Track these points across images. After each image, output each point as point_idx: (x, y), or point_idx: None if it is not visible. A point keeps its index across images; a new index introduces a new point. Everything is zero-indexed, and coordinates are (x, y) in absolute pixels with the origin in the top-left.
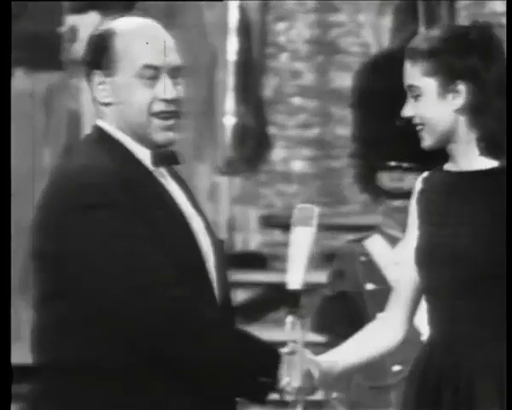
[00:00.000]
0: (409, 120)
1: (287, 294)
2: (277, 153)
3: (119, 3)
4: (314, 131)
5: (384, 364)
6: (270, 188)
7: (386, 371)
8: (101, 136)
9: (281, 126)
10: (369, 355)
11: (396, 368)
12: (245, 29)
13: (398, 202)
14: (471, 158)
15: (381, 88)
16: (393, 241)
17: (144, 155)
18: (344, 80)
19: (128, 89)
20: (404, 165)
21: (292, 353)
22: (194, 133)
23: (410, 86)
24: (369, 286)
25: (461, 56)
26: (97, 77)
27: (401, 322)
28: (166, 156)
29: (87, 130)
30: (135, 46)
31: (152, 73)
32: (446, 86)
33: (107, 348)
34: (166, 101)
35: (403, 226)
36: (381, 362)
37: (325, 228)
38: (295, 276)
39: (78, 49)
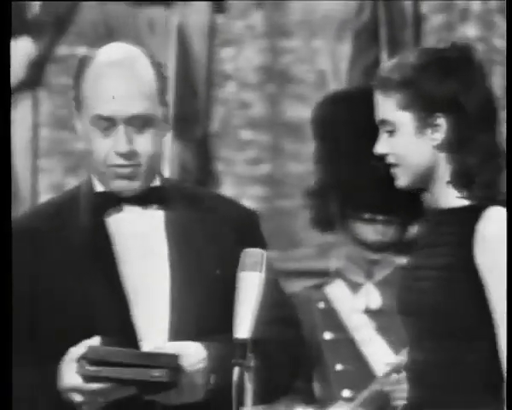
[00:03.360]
0: (382, 158)
1: (234, 344)
2: (225, 191)
3: (53, 26)
4: (265, 168)
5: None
6: None
7: (334, 396)
8: (87, 177)
9: (228, 162)
10: None
11: (346, 394)
12: (185, 55)
13: (377, 256)
14: (451, 197)
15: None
16: (355, 287)
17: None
18: (297, 111)
19: (88, 136)
20: (379, 217)
21: None
22: None
23: (383, 121)
24: (328, 335)
25: (439, 84)
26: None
27: None
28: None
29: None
30: (91, 90)
31: (106, 124)
32: (424, 120)
33: None
34: (120, 154)
35: (367, 272)
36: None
37: (277, 273)
38: (243, 325)
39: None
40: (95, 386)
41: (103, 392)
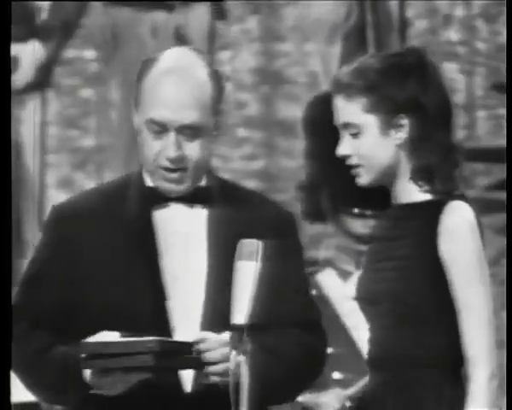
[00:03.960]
0: (344, 160)
1: (231, 329)
2: None
3: (60, 31)
4: (259, 164)
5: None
6: None
7: (325, 378)
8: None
9: (225, 158)
10: None
11: (336, 376)
12: None
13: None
14: (412, 193)
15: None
16: (346, 275)
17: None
18: (290, 111)
19: (141, 134)
20: (368, 212)
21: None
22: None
23: (347, 124)
24: None
25: (401, 87)
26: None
27: None
28: None
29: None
30: (149, 94)
31: (158, 128)
32: (389, 122)
33: None
34: (169, 159)
35: (357, 262)
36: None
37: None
38: (240, 311)
39: (19, 78)
40: (100, 380)
41: (113, 382)
